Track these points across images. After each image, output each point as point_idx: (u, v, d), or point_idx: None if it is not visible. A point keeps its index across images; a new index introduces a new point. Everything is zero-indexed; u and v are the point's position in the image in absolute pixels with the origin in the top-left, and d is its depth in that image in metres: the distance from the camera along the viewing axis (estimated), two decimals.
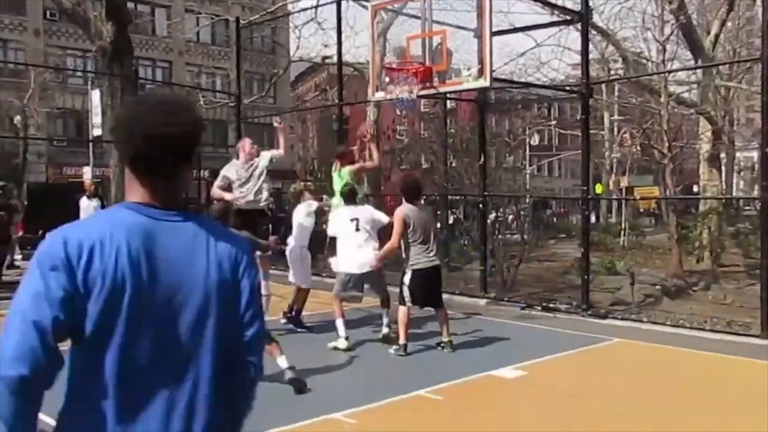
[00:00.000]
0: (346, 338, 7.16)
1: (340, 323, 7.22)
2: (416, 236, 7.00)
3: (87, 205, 11.78)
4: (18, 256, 14.58)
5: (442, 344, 7.14)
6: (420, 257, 7.00)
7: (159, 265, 1.57)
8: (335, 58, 14.98)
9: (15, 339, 1.45)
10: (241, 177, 8.03)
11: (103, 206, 12.09)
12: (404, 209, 7.11)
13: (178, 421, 1.58)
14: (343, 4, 13.25)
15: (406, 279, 7.04)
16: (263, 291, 7.57)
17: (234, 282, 1.67)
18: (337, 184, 8.34)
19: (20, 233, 14.74)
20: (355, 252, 7.27)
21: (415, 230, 6.99)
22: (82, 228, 1.58)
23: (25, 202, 18.08)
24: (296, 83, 50.67)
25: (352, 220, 7.36)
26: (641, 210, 30.05)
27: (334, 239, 7.77)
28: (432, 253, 7.06)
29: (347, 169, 8.33)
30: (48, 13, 35.99)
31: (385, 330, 7.53)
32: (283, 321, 8.24)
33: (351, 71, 20.42)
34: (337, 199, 8.27)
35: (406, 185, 7.42)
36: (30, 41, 35.86)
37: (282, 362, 5.64)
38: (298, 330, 8.11)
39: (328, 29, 20.02)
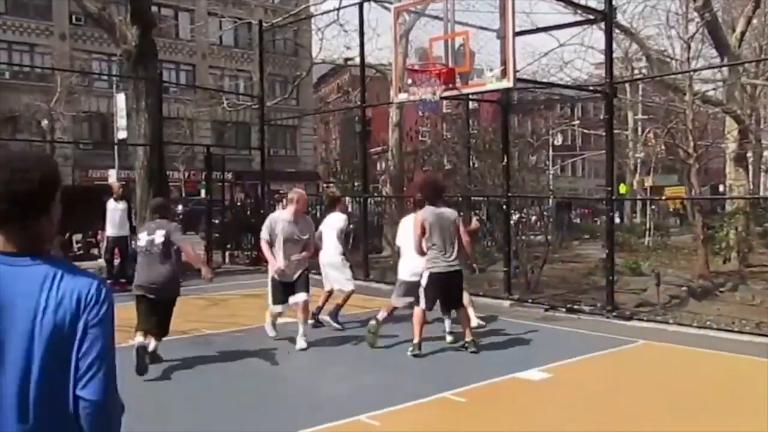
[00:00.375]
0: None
1: (380, 318, 7.47)
2: (433, 240, 6.95)
3: (114, 208, 11.89)
4: None
5: (466, 344, 7.13)
6: (438, 261, 6.95)
7: None
8: (357, 60, 15.02)
9: None
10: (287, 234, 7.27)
11: (129, 209, 12.18)
12: (422, 213, 7.10)
13: None
14: (366, 6, 13.28)
15: (423, 281, 7.04)
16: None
17: (73, 320, 1.67)
18: None
19: None
20: (412, 262, 7.36)
21: (432, 234, 6.94)
22: None
23: None
24: (319, 85, 50.79)
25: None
26: (671, 209, 29.68)
27: None
28: (451, 257, 6.97)
29: None
30: (74, 17, 36.47)
31: (449, 338, 7.63)
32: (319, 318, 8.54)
33: (373, 73, 20.47)
34: None
35: (425, 187, 7.38)
36: (56, 45, 36.36)
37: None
38: (335, 326, 8.36)
39: (351, 31, 20.03)
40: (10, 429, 1.63)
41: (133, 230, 12.08)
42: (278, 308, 7.14)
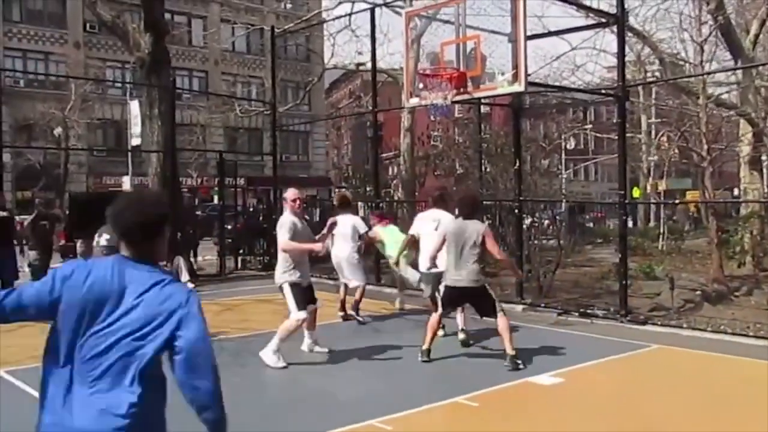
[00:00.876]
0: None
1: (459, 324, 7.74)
2: (448, 251, 6.99)
3: None
4: (59, 265, 14.89)
5: (506, 356, 6.80)
6: (449, 273, 6.95)
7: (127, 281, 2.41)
8: (369, 65, 15.05)
9: None
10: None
11: None
12: (448, 223, 7.35)
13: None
14: (377, 11, 13.33)
15: (441, 287, 7.07)
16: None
17: (172, 312, 2.38)
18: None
19: (62, 242, 15.05)
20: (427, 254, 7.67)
21: (449, 245, 6.96)
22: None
23: (66, 212, 18.48)
24: (330, 90, 50.97)
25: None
26: (691, 213, 29.37)
27: None
28: (458, 272, 6.82)
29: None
30: (88, 25, 36.78)
31: (461, 336, 7.76)
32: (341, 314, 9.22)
33: (385, 78, 20.51)
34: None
35: (466, 200, 7.34)
36: (71, 53, 36.67)
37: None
38: (359, 320, 9.02)
39: (362, 36, 20.04)
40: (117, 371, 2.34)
41: None
42: (303, 314, 7.05)
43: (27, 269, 12.80)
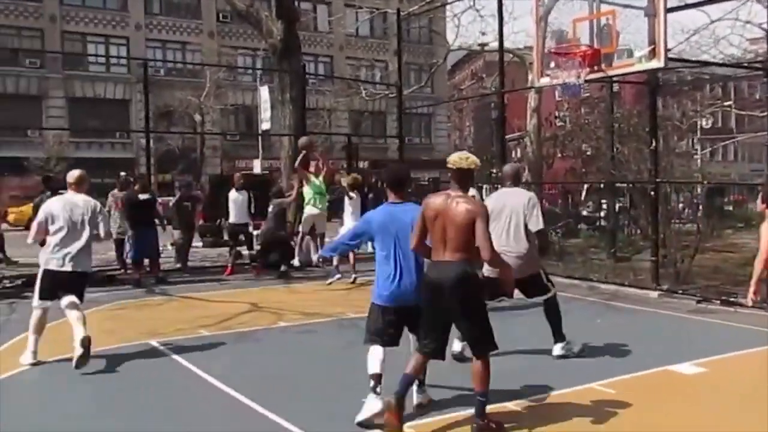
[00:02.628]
0: None
1: None
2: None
3: (235, 197, 12.56)
4: (199, 244, 15.76)
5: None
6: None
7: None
8: (493, 45, 14.83)
9: None
10: None
11: (250, 198, 12.67)
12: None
13: None
14: None
15: None
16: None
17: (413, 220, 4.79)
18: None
19: (201, 222, 15.91)
20: None
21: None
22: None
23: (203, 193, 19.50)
24: (452, 72, 50.66)
25: None
26: None
27: None
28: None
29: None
30: (221, 15, 38.51)
31: None
32: None
33: (510, 57, 20.14)
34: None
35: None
36: (205, 43, 38.55)
37: None
38: None
39: (487, 16, 19.73)
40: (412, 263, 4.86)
41: (252, 217, 12.81)
42: None
43: (170, 247, 13.65)
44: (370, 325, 4.92)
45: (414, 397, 4.93)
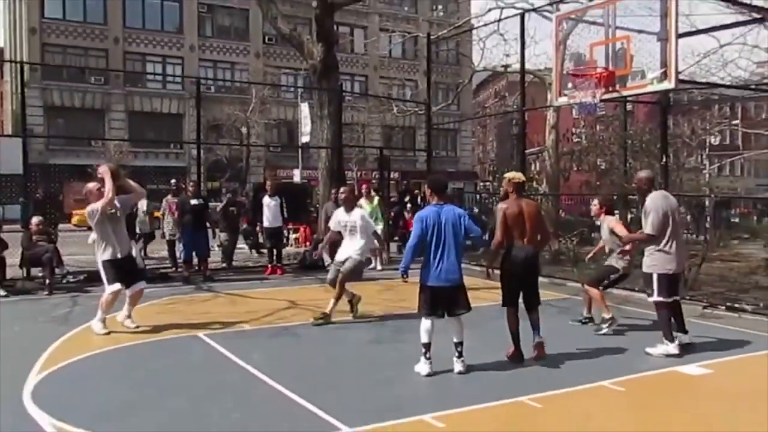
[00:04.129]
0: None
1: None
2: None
3: (268, 202, 12.59)
4: (243, 246, 15.91)
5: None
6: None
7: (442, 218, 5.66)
8: (516, 66, 14.76)
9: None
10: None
11: (282, 204, 12.65)
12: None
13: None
14: (525, 16, 12.99)
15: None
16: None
17: (459, 217, 5.68)
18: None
19: (245, 225, 16.06)
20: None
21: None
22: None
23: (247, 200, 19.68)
24: (477, 91, 50.46)
25: None
26: None
27: None
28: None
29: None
30: (266, 37, 38.92)
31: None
32: None
33: (530, 78, 20.02)
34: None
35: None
36: (252, 62, 38.99)
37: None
38: None
39: (510, 40, 19.68)
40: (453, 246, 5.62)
41: (285, 222, 12.96)
42: None
43: (217, 249, 13.79)
44: (422, 303, 5.66)
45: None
